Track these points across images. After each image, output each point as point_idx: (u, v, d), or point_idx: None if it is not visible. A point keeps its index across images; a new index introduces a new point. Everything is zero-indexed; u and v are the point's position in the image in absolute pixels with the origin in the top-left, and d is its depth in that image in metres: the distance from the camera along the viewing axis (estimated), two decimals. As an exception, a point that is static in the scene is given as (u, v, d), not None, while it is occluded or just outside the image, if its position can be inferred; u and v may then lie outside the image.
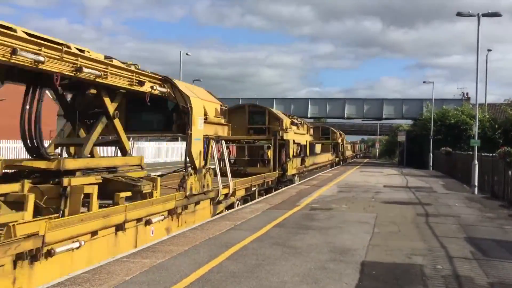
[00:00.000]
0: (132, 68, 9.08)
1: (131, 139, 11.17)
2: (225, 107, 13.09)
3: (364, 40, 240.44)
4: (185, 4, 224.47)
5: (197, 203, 11.14)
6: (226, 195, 12.83)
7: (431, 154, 40.26)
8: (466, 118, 40.68)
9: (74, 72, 7.36)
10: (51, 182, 7.64)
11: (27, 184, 7.38)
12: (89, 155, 8.85)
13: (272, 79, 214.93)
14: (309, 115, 53.27)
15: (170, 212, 9.78)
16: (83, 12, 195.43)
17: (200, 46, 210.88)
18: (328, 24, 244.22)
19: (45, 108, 7.53)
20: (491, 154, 19.60)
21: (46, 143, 8.22)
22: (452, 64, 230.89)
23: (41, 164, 7.61)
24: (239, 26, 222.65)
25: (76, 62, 7.32)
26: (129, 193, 8.63)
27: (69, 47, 7.31)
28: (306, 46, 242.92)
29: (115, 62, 8.55)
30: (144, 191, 8.83)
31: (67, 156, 9.30)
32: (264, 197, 17.10)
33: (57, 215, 7.08)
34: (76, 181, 7.77)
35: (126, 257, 7.79)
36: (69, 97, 9.24)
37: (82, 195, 7.63)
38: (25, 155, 8.34)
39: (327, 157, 40.89)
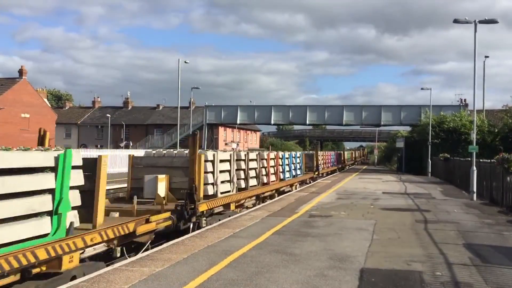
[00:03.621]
0: None
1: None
2: None
3: (359, 47, 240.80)
4: (180, 12, 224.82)
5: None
6: None
7: (429, 160, 40.28)
8: (466, 122, 40.73)
9: None
10: None
11: None
12: None
13: (269, 86, 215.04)
14: (307, 122, 53.35)
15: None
16: (79, 20, 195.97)
17: (196, 54, 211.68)
18: (323, 32, 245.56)
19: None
20: (489, 160, 19.63)
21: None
22: (448, 71, 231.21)
23: None
24: (234, 34, 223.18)
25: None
26: None
27: None
28: (301, 53, 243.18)
29: None
30: None
31: None
32: (263, 204, 17.10)
33: None
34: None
35: (125, 265, 7.79)
36: None
37: None
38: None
39: None
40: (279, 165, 21.33)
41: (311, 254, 8.68)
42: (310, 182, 28.61)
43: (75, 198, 7.52)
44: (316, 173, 31.80)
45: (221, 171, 13.95)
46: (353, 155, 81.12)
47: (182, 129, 55.48)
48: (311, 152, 36.82)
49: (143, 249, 9.64)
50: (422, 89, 43.10)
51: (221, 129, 69.18)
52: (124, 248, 9.10)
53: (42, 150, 7.13)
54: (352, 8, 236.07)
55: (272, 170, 19.75)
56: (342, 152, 59.24)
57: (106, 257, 8.67)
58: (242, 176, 15.99)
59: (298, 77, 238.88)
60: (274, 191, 20.16)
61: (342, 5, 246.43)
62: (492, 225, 12.83)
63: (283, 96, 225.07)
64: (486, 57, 43.58)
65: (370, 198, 19.22)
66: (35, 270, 6.70)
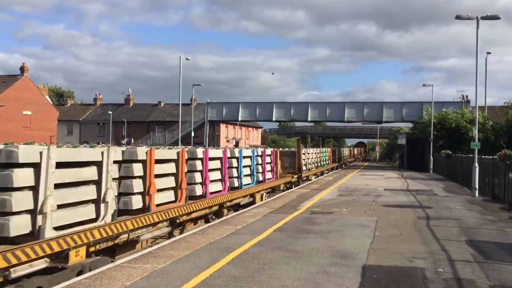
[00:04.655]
0: None
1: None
2: None
3: (360, 44, 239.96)
4: (181, 9, 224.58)
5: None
6: None
7: (431, 157, 40.23)
8: (466, 123, 40.64)
9: None
10: None
11: None
12: None
13: (271, 83, 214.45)
14: (309, 119, 53.27)
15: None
16: (79, 18, 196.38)
17: (197, 51, 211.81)
18: (323, 28, 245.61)
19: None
20: (491, 157, 19.61)
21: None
22: (449, 67, 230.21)
23: None
24: (235, 31, 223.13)
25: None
26: None
27: None
28: (302, 50, 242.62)
29: None
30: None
31: None
32: (264, 201, 17.10)
33: None
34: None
35: (127, 262, 7.79)
36: None
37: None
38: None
39: None
40: None
41: (313, 251, 8.68)
42: None
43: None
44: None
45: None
46: (336, 155, 46.95)
47: (183, 126, 55.47)
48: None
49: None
50: (424, 85, 42.87)
51: (222, 126, 69.16)
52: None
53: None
54: (352, 4, 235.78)
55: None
56: (296, 150, 24.52)
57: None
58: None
59: (299, 74, 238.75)
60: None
61: (342, 1, 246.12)
62: (494, 221, 12.82)
63: (284, 93, 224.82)
64: (488, 53, 43.46)
65: (372, 195, 19.21)
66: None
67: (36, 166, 6.96)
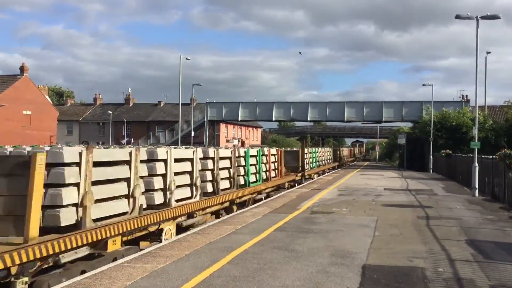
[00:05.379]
0: None
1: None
2: None
3: (359, 44, 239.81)
4: (180, 9, 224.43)
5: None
6: None
7: (431, 156, 40.24)
8: (467, 120, 40.66)
9: None
10: None
11: None
12: None
13: (270, 83, 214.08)
14: (309, 119, 53.24)
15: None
16: (79, 17, 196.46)
17: (196, 51, 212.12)
18: (322, 28, 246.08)
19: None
20: (491, 156, 19.61)
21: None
22: (449, 67, 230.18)
23: None
24: (234, 31, 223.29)
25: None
26: None
27: None
28: (301, 49, 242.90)
29: None
30: None
31: None
32: (264, 200, 17.10)
33: None
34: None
35: (127, 262, 7.80)
36: None
37: None
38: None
39: None
40: None
41: (313, 251, 8.68)
42: None
43: None
44: None
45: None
46: (298, 160, 25.78)
47: (183, 125, 55.45)
48: None
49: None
50: (424, 85, 42.81)
51: (222, 126, 69.14)
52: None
53: None
54: (352, 4, 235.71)
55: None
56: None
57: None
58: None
59: (298, 73, 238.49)
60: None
61: (341, 1, 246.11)
62: (494, 221, 12.82)
63: (284, 93, 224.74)
64: (488, 53, 43.25)
65: (372, 195, 19.21)
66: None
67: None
